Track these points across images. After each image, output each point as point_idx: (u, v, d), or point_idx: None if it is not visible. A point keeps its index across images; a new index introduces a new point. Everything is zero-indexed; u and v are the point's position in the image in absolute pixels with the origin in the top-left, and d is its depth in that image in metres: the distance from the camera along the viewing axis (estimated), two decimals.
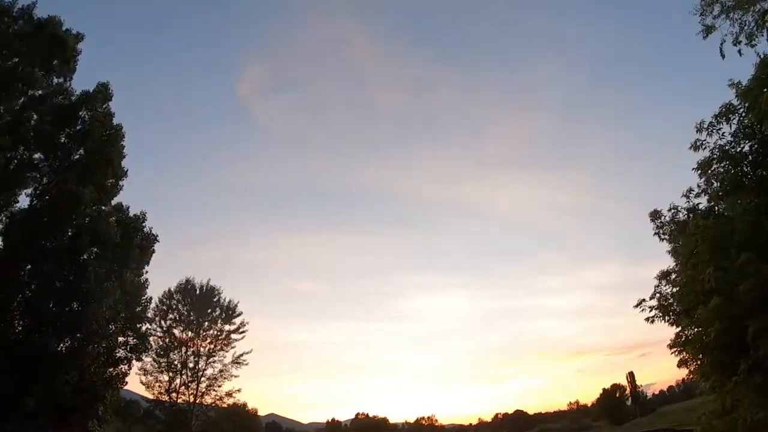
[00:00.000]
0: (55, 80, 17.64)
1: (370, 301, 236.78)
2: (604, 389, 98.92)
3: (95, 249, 16.53)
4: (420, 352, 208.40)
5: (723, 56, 12.98)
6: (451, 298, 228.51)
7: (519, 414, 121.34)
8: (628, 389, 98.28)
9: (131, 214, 18.52)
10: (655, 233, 16.70)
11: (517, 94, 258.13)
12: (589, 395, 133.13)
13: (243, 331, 43.20)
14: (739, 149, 14.42)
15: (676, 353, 15.78)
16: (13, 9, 16.93)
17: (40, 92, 17.33)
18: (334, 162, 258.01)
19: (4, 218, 16.07)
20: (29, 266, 15.88)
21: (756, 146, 14.18)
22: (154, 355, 39.74)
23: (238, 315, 43.51)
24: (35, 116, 16.92)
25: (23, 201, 16.39)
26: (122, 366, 18.35)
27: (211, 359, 42.07)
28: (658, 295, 16.62)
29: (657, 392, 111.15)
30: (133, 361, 19.48)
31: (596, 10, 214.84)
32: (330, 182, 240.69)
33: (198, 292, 43.24)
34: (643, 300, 16.60)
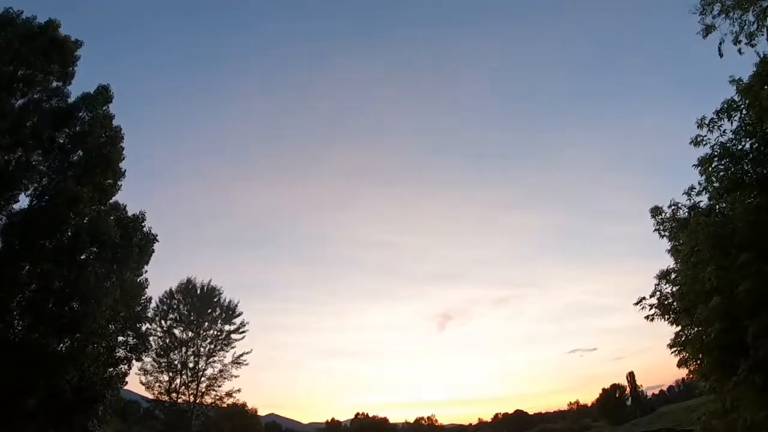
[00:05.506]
0: (55, 83, 17.65)
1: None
2: (604, 389, 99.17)
3: (94, 249, 16.50)
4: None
5: (721, 55, 12.98)
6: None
7: (519, 414, 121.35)
8: (628, 389, 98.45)
9: (130, 213, 18.49)
10: (656, 230, 16.64)
11: None
12: (589, 395, 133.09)
13: (243, 331, 43.34)
14: (740, 147, 14.40)
15: (676, 353, 15.76)
16: (17, 18, 17.03)
17: (39, 94, 17.33)
18: None
19: (3, 218, 16.06)
20: (29, 266, 15.84)
21: (757, 144, 14.16)
22: (154, 355, 39.91)
23: (239, 315, 43.64)
24: (34, 117, 16.92)
25: (23, 201, 16.43)
26: (122, 366, 18.35)
27: (211, 359, 42.17)
28: (658, 293, 16.58)
29: (657, 392, 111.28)
30: (133, 361, 19.57)
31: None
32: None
33: (198, 292, 43.31)
34: (643, 298, 16.55)
